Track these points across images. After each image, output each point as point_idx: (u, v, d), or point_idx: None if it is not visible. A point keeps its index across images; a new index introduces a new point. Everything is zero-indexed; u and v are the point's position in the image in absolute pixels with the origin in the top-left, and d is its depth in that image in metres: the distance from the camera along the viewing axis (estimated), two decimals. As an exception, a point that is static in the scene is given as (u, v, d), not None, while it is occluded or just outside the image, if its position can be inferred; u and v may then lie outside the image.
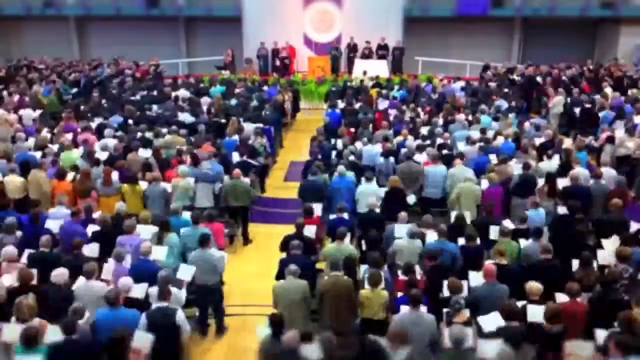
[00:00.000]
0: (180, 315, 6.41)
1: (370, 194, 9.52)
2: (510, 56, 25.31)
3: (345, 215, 8.76)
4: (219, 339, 7.93)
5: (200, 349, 7.68)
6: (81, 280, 6.79)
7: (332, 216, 8.94)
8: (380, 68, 21.74)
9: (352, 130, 13.28)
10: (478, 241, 7.92)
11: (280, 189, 13.37)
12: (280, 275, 7.43)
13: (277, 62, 22.36)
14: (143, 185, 10.05)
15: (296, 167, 14.65)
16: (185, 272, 7.36)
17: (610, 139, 12.17)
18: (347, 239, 8.01)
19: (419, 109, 14.64)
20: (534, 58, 23.97)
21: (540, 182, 9.86)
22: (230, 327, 8.14)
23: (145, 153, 11.25)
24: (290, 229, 10.60)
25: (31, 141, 12.37)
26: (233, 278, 9.23)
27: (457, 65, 24.05)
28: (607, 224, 8.34)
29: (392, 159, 10.92)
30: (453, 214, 9.03)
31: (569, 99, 16.49)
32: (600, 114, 14.39)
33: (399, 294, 6.96)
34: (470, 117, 13.90)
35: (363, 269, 7.44)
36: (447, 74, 23.10)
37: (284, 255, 8.01)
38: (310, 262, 7.67)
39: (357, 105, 15.35)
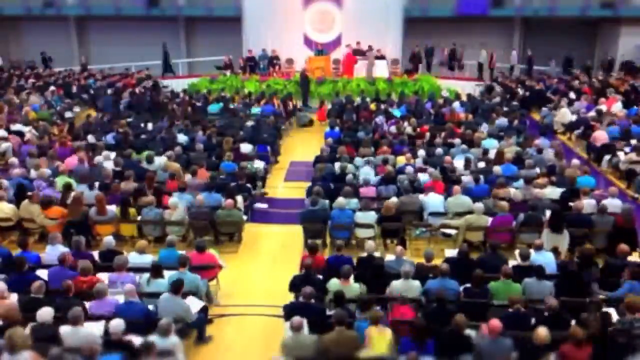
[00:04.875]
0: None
1: (367, 228, 9.75)
2: (510, 56, 25.30)
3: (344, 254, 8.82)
4: (218, 339, 7.86)
5: (198, 349, 7.66)
6: (67, 326, 6.60)
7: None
8: (379, 68, 21.86)
9: (352, 148, 13.42)
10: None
11: (280, 188, 13.54)
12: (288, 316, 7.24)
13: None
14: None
15: (296, 167, 14.83)
16: None
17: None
18: (352, 278, 7.88)
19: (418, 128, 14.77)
20: (534, 58, 24.06)
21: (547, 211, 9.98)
22: (229, 327, 8.18)
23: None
24: (289, 229, 10.95)
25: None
26: (233, 278, 9.29)
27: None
28: (615, 269, 8.24)
29: (392, 186, 11.08)
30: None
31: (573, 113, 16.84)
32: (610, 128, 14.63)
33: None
34: (469, 133, 14.03)
35: (357, 311, 7.38)
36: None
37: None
38: (323, 310, 7.38)
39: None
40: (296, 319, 6.61)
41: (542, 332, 6.29)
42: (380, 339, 6.58)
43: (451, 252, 8.93)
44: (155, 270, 7.88)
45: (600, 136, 14.27)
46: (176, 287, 7.30)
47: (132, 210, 10.20)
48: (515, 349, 6.37)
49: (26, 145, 13.73)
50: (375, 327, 6.64)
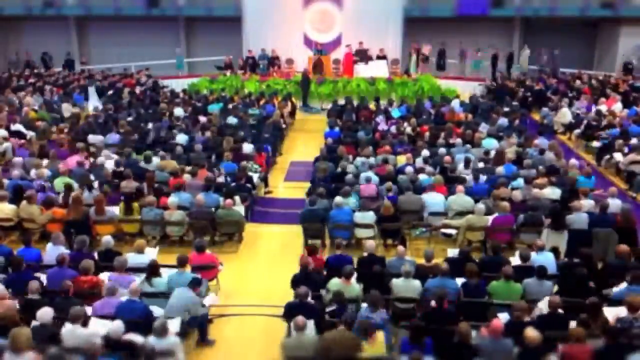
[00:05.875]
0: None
1: (367, 229, 9.81)
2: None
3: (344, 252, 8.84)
4: (218, 339, 7.82)
5: (198, 349, 7.64)
6: (68, 324, 6.58)
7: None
8: (379, 68, 21.88)
9: (352, 148, 13.45)
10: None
11: (280, 188, 13.55)
12: (286, 315, 7.33)
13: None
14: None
15: (296, 167, 14.83)
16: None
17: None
18: (354, 278, 7.88)
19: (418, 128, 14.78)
20: (534, 58, 24.06)
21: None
22: (229, 327, 8.18)
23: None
24: (289, 229, 10.96)
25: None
26: (233, 278, 9.25)
27: (457, 66, 24.16)
28: (617, 269, 8.21)
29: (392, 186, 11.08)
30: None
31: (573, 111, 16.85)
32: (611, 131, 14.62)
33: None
34: (469, 133, 14.06)
35: (362, 310, 7.31)
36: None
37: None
38: (321, 309, 7.37)
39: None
40: (299, 318, 6.61)
41: (531, 332, 6.27)
42: (369, 348, 6.53)
43: (453, 252, 8.93)
44: (152, 270, 7.88)
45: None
46: (195, 284, 7.44)
47: (135, 205, 10.22)
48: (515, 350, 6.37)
49: (25, 148, 13.74)
50: (365, 337, 6.54)
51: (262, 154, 13.36)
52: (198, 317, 7.51)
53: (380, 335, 6.62)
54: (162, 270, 8.07)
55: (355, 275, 7.93)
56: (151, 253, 8.91)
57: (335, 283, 7.79)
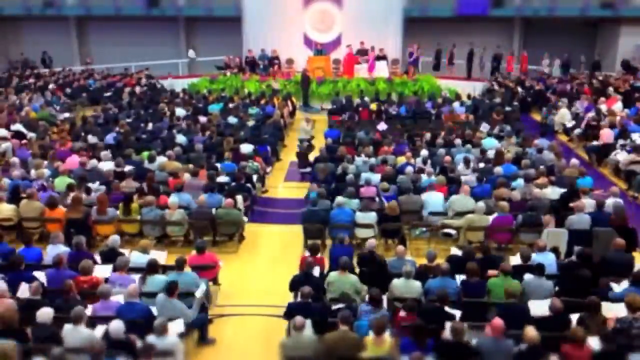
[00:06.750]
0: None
1: (367, 229, 9.83)
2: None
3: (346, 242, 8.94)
4: (218, 339, 7.81)
5: (198, 350, 7.62)
6: (68, 325, 6.55)
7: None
8: (379, 69, 21.88)
9: (352, 148, 13.46)
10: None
11: (280, 188, 13.56)
12: (288, 316, 7.30)
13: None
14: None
15: (296, 167, 14.74)
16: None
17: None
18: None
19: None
20: (534, 59, 24.07)
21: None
22: (229, 327, 8.17)
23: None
24: (289, 229, 10.95)
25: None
26: (232, 278, 9.29)
27: (457, 66, 24.17)
28: (611, 264, 8.25)
29: (392, 186, 11.07)
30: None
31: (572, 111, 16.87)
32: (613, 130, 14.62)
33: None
34: (469, 133, 14.07)
35: (362, 306, 7.30)
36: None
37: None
38: (322, 308, 7.33)
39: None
40: (298, 318, 6.59)
41: (531, 331, 6.25)
42: (376, 349, 6.49)
43: (456, 251, 8.95)
44: (150, 268, 7.86)
45: (606, 134, 14.17)
46: (171, 289, 7.21)
47: (134, 206, 10.18)
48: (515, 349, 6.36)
49: (25, 148, 13.72)
50: (375, 336, 6.51)
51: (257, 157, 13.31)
52: (198, 318, 7.49)
53: (388, 336, 6.58)
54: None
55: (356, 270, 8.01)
56: (160, 256, 8.82)
57: (332, 275, 7.84)
